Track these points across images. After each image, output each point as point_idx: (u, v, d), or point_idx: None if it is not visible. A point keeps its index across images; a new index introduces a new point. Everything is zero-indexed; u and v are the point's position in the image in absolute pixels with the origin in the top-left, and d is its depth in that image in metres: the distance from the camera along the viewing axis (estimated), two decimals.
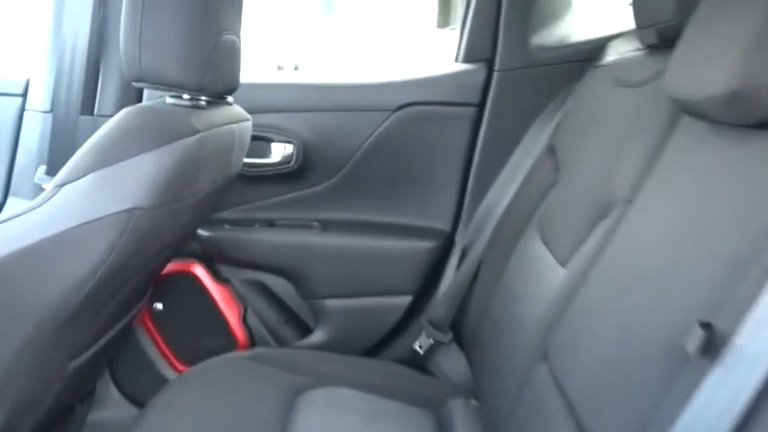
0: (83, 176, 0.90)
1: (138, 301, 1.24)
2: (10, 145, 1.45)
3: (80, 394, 1.27)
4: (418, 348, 1.35)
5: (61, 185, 0.90)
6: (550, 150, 1.21)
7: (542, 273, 0.99)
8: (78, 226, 0.88)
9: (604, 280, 0.81)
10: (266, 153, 1.44)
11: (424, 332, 1.35)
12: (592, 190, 0.95)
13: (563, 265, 0.94)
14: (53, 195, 0.90)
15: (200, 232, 1.43)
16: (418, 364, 1.35)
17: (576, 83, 1.25)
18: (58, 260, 0.89)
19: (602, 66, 1.16)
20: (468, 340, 1.25)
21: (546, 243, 1.03)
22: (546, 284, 0.96)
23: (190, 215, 1.05)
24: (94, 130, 1.32)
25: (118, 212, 0.89)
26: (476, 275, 1.29)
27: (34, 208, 0.90)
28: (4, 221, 0.90)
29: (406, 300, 1.42)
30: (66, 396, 1.12)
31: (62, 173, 0.92)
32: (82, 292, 0.89)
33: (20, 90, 1.47)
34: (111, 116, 0.98)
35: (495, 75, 1.42)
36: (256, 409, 1.03)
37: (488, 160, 1.42)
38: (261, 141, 1.41)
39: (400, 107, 1.42)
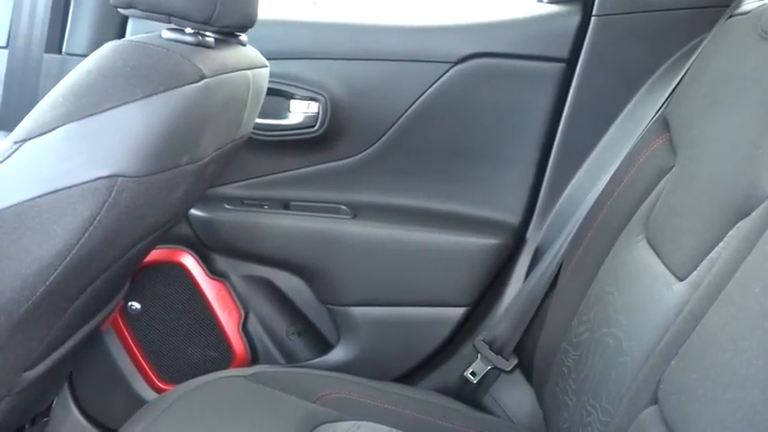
0: (51, 131, 0.89)
1: (110, 299, 1.24)
2: None
3: (32, 414, 1.27)
4: (470, 377, 1.35)
5: (22, 142, 0.90)
6: (663, 124, 1.19)
7: (650, 287, 0.97)
8: (43, 196, 0.88)
9: (743, 300, 0.78)
10: (283, 112, 1.44)
11: (479, 356, 1.35)
12: (725, 179, 0.92)
13: (681, 278, 0.92)
14: (11, 154, 0.90)
15: (193, 212, 1.43)
16: (469, 396, 1.35)
17: (703, 36, 1.23)
18: (14, 240, 0.88)
19: (743, 13, 1.13)
20: (539, 370, 1.23)
21: (656, 248, 1.01)
22: (655, 303, 0.93)
23: (186, 187, 1.04)
24: (62, 72, 1.32)
25: (95, 180, 0.88)
26: (553, 285, 1.27)
27: None
28: None
29: (457, 312, 1.42)
30: (16, 416, 1.12)
31: (23, 125, 0.91)
32: (42, 284, 0.89)
33: None
34: (85, 55, 0.97)
35: (593, 21, 1.39)
36: None
37: (577, 134, 1.41)
38: (277, 97, 1.41)
39: (463, 59, 1.41)
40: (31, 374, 1.01)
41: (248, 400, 1.18)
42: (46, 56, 1.36)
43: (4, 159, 0.89)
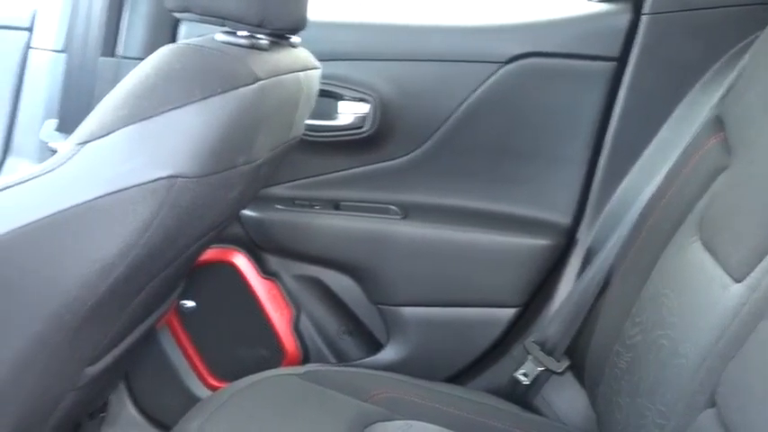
0: (112, 132, 0.90)
1: (166, 298, 1.26)
2: (11, 91, 1.48)
3: (91, 409, 1.30)
4: (522, 378, 1.33)
5: (84, 143, 0.91)
6: (717, 124, 1.16)
7: (706, 289, 0.95)
8: (105, 196, 0.89)
9: None
10: (332, 113, 1.44)
11: (530, 357, 1.34)
12: None
13: (738, 279, 0.90)
14: (73, 156, 0.91)
15: (245, 212, 1.44)
16: (520, 397, 1.34)
17: (757, 33, 1.19)
18: (77, 240, 0.90)
19: None
20: (592, 371, 1.22)
21: (711, 249, 0.99)
22: (711, 305, 0.92)
23: (242, 188, 1.05)
24: (117, 75, 1.34)
25: (155, 180, 0.89)
26: (605, 286, 1.26)
27: (48, 171, 0.91)
28: (9, 187, 0.91)
29: (508, 313, 1.41)
30: (77, 411, 1.14)
31: (85, 127, 0.93)
32: (106, 282, 0.90)
33: (24, 23, 1.49)
34: (139, 58, 0.98)
35: (644, 19, 1.37)
36: None
37: (628, 133, 1.39)
38: (326, 98, 1.41)
39: (513, 58, 1.40)
40: (93, 370, 1.03)
41: (301, 399, 1.18)
42: (100, 59, 1.38)
43: (67, 161, 0.91)
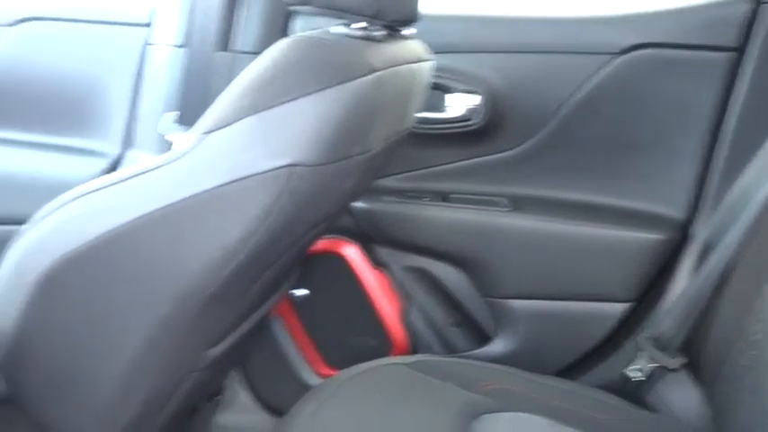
0: (233, 123, 0.93)
1: (281, 286, 1.29)
2: (131, 86, 1.53)
3: (208, 392, 1.34)
4: (633, 374, 1.30)
5: (207, 133, 0.94)
6: None
7: None
8: (226, 184, 0.91)
9: None
10: (440, 106, 1.45)
11: (643, 353, 1.30)
12: None
13: None
14: (197, 146, 0.94)
15: (355, 204, 1.46)
16: (632, 394, 1.30)
17: None
18: (200, 227, 0.92)
19: None
20: (709, 369, 1.18)
21: None
22: None
23: (357, 177, 1.06)
24: (232, 69, 1.37)
25: (275, 169, 0.91)
26: (723, 282, 1.22)
27: (173, 160, 0.94)
28: (134, 176, 0.95)
29: (620, 308, 1.39)
30: (196, 394, 1.17)
31: (207, 118, 0.95)
32: (228, 267, 0.93)
33: (143, 20, 1.54)
34: (253, 52, 1.00)
35: (765, 8, 1.33)
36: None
37: (747, 126, 1.35)
38: (434, 90, 1.41)
39: (627, 49, 1.38)
40: (214, 352, 1.07)
41: (411, 388, 1.19)
42: (216, 54, 1.41)
43: (191, 150, 0.94)
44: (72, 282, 0.95)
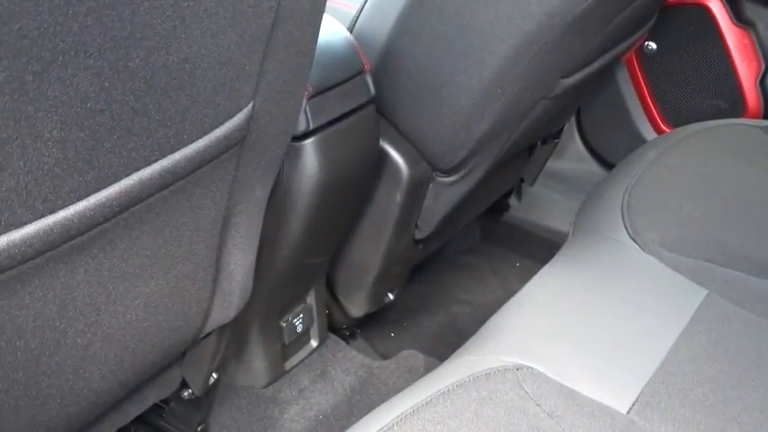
0: None
1: (634, 32, 1.23)
2: None
3: (544, 134, 1.36)
4: None
5: None
6: None
7: None
8: None
9: None
10: None
11: None
12: None
13: None
14: None
15: None
16: None
17: None
18: None
19: None
20: None
21: None
22: None
23: None
24: None
25: None
26: None
27: None
28: None
29: None
30: (539, 130, 1.20)
31: None
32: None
33: None
34: None
35: None
36: None
37: None
38: None
39: None
40: (566, 82, 1.06)
41: (763, 150, 1.13)
42: None
43: None
44: None
